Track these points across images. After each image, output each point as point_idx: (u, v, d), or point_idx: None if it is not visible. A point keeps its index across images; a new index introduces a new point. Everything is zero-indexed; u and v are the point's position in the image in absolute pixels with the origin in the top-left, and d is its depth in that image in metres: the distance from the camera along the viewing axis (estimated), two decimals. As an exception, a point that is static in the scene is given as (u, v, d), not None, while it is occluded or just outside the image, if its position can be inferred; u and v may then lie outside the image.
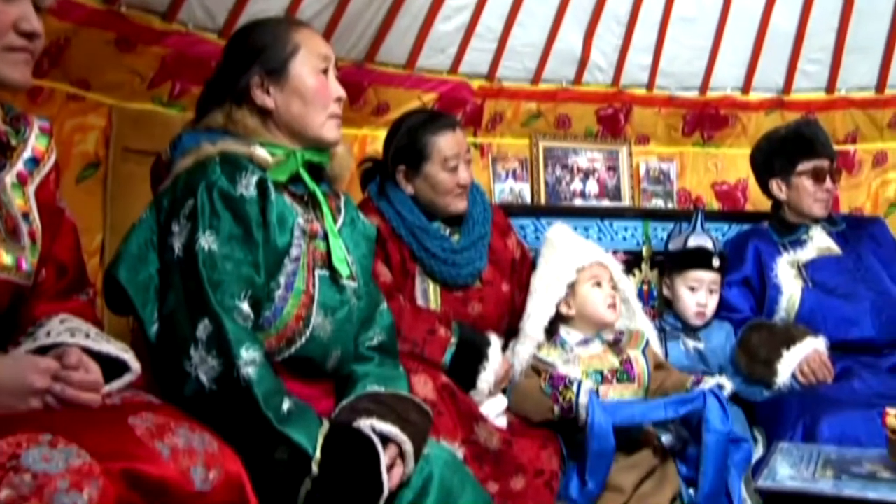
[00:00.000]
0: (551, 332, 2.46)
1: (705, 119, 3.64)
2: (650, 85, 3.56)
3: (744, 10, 3.41)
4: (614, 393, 2.35)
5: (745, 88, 3.60)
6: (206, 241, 1.63)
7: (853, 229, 2.99)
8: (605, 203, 3.51)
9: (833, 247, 2.90)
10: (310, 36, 1.88)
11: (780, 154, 2.97)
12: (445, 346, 2.24)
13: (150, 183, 1.87)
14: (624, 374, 2.37)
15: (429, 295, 2.40)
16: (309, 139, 1.85)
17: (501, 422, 2.27)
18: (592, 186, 3.53)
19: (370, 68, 3.14)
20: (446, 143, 2.41)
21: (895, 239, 3.02)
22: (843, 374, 2.60)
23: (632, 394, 2.38)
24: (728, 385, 2.28)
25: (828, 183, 2.91)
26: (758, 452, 2.43)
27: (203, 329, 1.56)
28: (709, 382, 2.27)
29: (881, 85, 3.57)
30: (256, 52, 1.83)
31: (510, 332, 2.51)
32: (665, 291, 2.93)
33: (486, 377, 2.25)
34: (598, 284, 2.47)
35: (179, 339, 1.58)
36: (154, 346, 1.64)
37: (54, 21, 2.21)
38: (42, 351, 1.34)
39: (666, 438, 2.33)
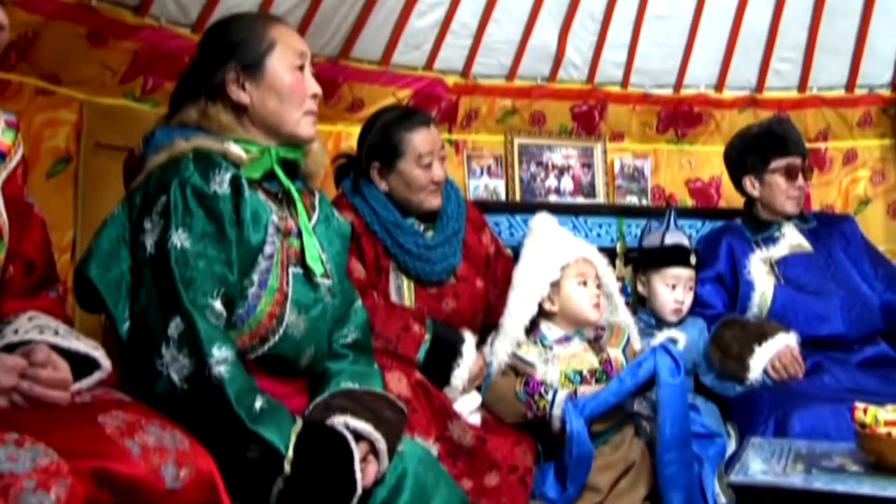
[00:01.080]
0: (531, 327, 2.43)
1: (679, 116, 3.66)
2: (625, 82, 3.57)
3: (717, 9, 3.43)
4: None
5: (719, 86, 3.63)
6: (179, 238, 1.61)
7: (824, 227, 3.01)
8: (580, 200, 3.52)
9: (805, 244, 2.92)
10: (286, 32, 1.87)
11: (753, 151, 2.99)
12: (419, 342, 2.24)
13: (122, 179, 1.85)
14: (603, 374, 2.35)
15: (403, 291, 2.39)
16: (284, 136, 1.84)
17: (475, 418, 2.27)
18: (567, 183, 3.54)
19: (345, 65, 3.13)
20: (421, 139, 2.41)
21: (865, 236, 3.05)
22: (814, 369, 2.62)
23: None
24: (681, 337, 2.27)
25: (800, 180, 2.93)
26: (731, 447, 2.45)
27: (175, 327, 1.55)
28: (658, 338, 2.27)
29: (851, 84, 3.61)
30: (232, 48, 1.81)
31: (485, 329, 2.51)
32: (640, 288, 2.93)
33: (460, 374, 2.26)
34: (584, 283, 2.43)
35: (151, 337, 1.57)
36: (125, 344, 1.62)
37: (22, 13, 2.18)
38: (10, 348, 1.33)
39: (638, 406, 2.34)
